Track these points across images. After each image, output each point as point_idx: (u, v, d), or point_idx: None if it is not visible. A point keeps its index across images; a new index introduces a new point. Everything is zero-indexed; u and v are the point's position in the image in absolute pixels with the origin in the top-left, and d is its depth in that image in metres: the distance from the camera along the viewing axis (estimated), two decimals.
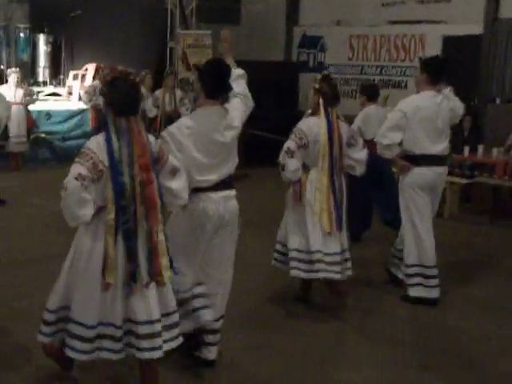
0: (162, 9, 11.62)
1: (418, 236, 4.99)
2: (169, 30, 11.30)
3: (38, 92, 11.37)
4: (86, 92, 10.05)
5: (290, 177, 4.64)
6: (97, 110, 9.97)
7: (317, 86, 4.72)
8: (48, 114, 10.68)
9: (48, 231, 6.66)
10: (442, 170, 5.08)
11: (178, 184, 3.37)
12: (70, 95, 12.20)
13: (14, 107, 9.63)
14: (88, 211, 3.17)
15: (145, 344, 3.26)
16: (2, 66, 11.81)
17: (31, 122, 10.14)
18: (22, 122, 9.90)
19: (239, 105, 3.79)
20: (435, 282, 5.04)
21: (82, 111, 11.03)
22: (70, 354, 3.35)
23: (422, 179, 4.93)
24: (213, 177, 3.65)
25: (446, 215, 8.08)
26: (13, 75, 9.86)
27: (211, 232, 3.71)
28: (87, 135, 10.55)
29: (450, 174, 6.48)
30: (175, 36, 11.02)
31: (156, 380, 3.45)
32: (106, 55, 11.49)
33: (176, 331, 3.41)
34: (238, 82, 3.86)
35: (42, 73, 12.62)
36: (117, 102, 3.22)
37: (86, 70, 11.90)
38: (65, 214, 3.19)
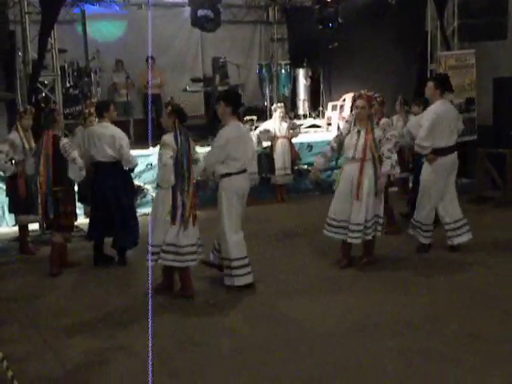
0: (421, 32, 11.40)
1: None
2: (429, 52, 11.03)
3: (300, 125, 11.80)
4: (346, 122, 10.04)
5: None
6: None
7: None
8: (309, 146, 11.08)
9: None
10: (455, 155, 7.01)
11: (197, 167, 5.90)
12: (329, 126, 12.60)
13: (279, 141, 10.32)
14: (173, 177, 5.63)
15: None
16: (265, 102, 12.69)
17: (295, 154, 10.57)
18: (286, 154, 10.37)
19: None
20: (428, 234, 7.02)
21: None
22: None
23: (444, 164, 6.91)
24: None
25: None
26: (278, 110, 10.37)
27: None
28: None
29: None
30: (436, 58, 10.72)
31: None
32: (363, 84, 11.43)
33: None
34: None
35: (302, 106, 13.30)
36: (182, 113, 5.83)
37: (344, 100, 12.20)
38: (163, 181, 5.68)
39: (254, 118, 11.33)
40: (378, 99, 8.74)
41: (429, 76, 10.31)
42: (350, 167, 6.44)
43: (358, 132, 6.41)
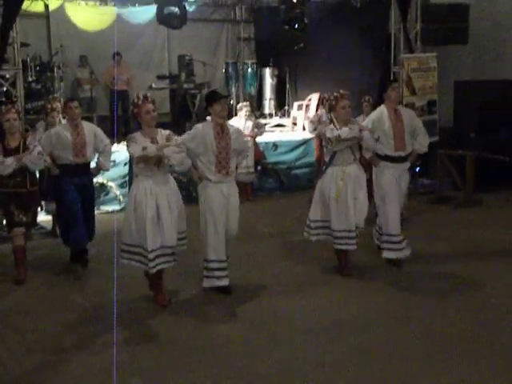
0: (384, 35, 11.56)
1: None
2: (392, 55, 11.18)
3: (265, 124, 11.82)
4: (311, 121, 10.34)
5: None
6: (321, 139, 10.20)
7: None
8: (274, 145, 11.12)
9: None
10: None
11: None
12: (294, 126, 12.67)
13: None
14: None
15: None
16: (231, 101, 12.59)
17: (259, 153, 10.57)
18: (250, 153, 10.02)
19: None
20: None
21: (306, 141, 11.31)
22: None
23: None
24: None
25: None
26: (244, 109, 10.32)
27: None
28: (312, 165, 10.88)
29: None
30: (399, 61, 10.87)
31: None
32: (328, 84, 11.44)
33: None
34: None
35: (268, 105, 13.37)
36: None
37: (310, 100, 12.31)
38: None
39: None
40: (370, 100, 8.84)
41: (392, 78, 10.43)
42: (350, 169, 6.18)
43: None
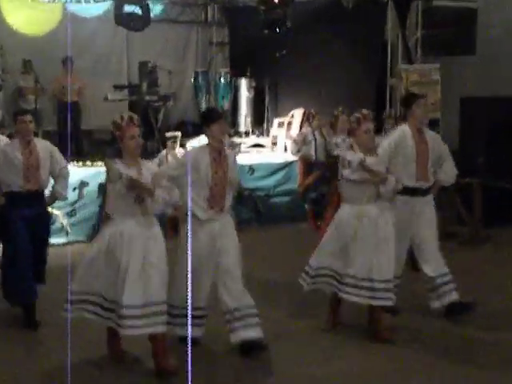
0: (380, 42, 11.67)
1: None
2: (389, 65, 11.30)
3: (240, 144, 11.98)
4: (294, 141, 10.45)
5: None
6: (306, 162, 10.25)
7: None
8: (251, 169, 11.12)
9: None
10: None
11: None
12: (274, 146, 12.68)
13: None
14: None
15: None
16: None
17: None
18: None
19: None
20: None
21: (287, 164, 11.34)
22: None
23: None
24: None
25: None
26: None
27: None
28: (294, 192, 10.86)
29: None
30: (396, 72, 10.99)
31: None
32: (314, 99, 11.85)
33: None
34: None
35: (244, 122, 13.32)
36: None
37: (293, 116, 12.29)
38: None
39: (178, 134, 10.55)
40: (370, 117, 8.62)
41: (388, 90, 10.53)
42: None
43: None
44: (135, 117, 5.31)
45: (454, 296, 6.34)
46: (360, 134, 5.85)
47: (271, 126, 13.12)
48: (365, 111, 5.89)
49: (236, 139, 12.01)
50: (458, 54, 11.14)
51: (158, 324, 5.12)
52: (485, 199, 9.65)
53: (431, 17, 11.03)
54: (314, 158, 10.06)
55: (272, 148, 12.71)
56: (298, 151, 10.32)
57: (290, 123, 12.38)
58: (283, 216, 10.77)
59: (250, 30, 13.09)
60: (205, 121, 5.61)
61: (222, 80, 13.45)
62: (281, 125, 12.73)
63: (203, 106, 13.01)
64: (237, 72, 13.60)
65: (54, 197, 6.66)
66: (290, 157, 11.20)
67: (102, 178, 7.72)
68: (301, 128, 11.46)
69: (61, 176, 6.54)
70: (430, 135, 6.58)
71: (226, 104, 13.43)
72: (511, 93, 11.28)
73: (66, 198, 7.03)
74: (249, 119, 13.38)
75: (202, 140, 10.10)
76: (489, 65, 11.92)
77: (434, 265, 6.36)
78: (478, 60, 11.70)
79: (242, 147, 11.91)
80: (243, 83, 13.37)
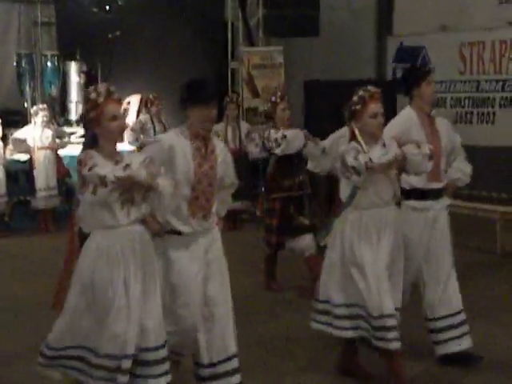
0: (220, 22, 11.43)
1: None
2: (230, 47, 11.07)
3: (71, 133, 11.44)
4: (132, 130, 10.09)
5: None
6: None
7: None
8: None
9: None
10: None
11: None
12: None
13: (40, 152, 9.92)
14: None
15: None
16: (25, 104, 11.97)
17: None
18: (50, 170, 10.00)
19: None
20: None
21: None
22: None
23: None
24: None
25: None
26: (40, 114, 9.90)
27: None
28: None
29: None
30: (238, 55, 10.78)
31: None
32: (152, 84, 11.68)
33: None
34: None
35: (75, 109, 12.75)
36: None
37: (129, 103, 12.07)
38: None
39: None
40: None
41: (230, 74, 10.43)
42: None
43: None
44: (114, 90, 3.88)
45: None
46: (365, 119, 4.55)
47: None
48: (372, 88, 4.58)
49: (65, 128, 11.42)
50: (301, 35, 11.18)
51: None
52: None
53: None
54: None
55: None
56: (137, 140, 9.86)
57: (125, 110, 11.91)
58: None
59: (79, 8, 12.60)
60: (189, 99, 4.17)
61: (49, 64, 12.81)
62: None
63: (28, 92, 12.24)
64: (65, 55, 13.00)
65: None
66: (127, 146, 10.62)
67: None
68: (137, 115, 11.25)
69: None
70: (441, 122, 5.21)
71: (54, 90, 12.78)
72: (354, 76, 11.39)
73: None
74: (80, 106, 12.59)
75: (27, 131, 9.63)
76: (333, 47, 12.10)
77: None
78: (323, 42, 11.88)
79: (72, 137, 11.32)
80: (73, 67, 12.83)
